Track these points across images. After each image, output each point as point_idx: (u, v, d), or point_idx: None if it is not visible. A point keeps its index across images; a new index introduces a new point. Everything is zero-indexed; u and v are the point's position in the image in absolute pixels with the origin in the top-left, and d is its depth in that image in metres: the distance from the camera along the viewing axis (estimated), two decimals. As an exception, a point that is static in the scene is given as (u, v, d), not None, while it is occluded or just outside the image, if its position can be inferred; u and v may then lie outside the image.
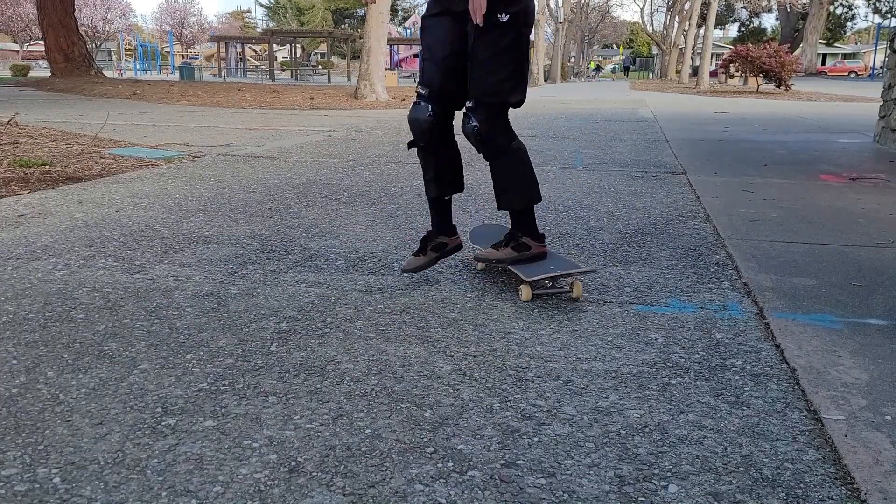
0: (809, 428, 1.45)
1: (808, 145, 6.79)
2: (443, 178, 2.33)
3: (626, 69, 58.48)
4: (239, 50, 38.23)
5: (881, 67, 20.05)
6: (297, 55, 39.35)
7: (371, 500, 1.19)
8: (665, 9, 44.21)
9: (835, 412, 1.50)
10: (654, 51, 57.05)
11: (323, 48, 49.84)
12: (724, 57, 22.98)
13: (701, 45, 28.44)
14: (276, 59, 37.76)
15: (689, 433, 1.42)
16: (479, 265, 2.53)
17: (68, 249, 2.66)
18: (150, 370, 1.66)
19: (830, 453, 1.36)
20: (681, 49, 37.15)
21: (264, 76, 32.59)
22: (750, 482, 1.26)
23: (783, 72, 18.70)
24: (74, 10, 21.73)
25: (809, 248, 2.84)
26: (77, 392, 1.54)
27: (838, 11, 53.28)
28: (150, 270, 2.43)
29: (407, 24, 48.07)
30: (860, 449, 1.36)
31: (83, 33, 25.96)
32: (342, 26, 48.13)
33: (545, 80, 33.57)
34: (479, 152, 2.26)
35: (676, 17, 39.19)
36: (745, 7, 47.91)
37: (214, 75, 33.93)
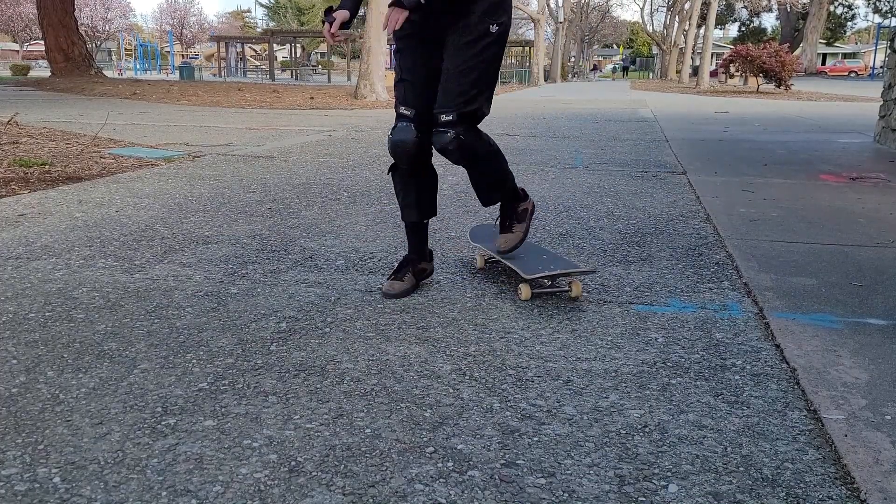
0: (809, 428, 1.45)
1: (808, 145, 6.79)
2: (424, 201, 2.27)
3: (625, 69, 58.46)
4: (239, 50, 38.23)
5: (881, 67, 20.05)
6: (297, 55, 39.36)
7: (371, 500, 1.19)
8: (665, 8, 44.20)
9: (835, 412, 1.50)
10: (655, 51, 57.05)
11: (323, 48, 49.85)
12: (724, 57, 22.98)
13: (701, 45, 28.45)
14: (276, 59, 37.76)
15: (689, 433, 1.42)
16: (479, 264, 2.54)
17: (68, 249, 2.66)
18: (150, 370, 1.66)
19: (830, 453, 1.36)
20: (681, 49, 37.15)
21: (264, 76, 32.60)
22: (750, 482, 1.26)
23: (783, 71, 18.70)
24: (74, 9, 21.73)
25: (809, 248, 2.84)
26: (77, 392, 1.54)
27: (838, 11, 53.27)
28: (150, 270, 2.43)
29: (407, 23, 47.93)
30: (860, 449, 1.36)
31: (83, 33, 25.95)
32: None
33: (545, 80, 33.58)
34: (457, 164, 2.17)
35: (676, 17, 39.19)
36: (745, 7, 47.91)
37: (214, 75, 33.94)
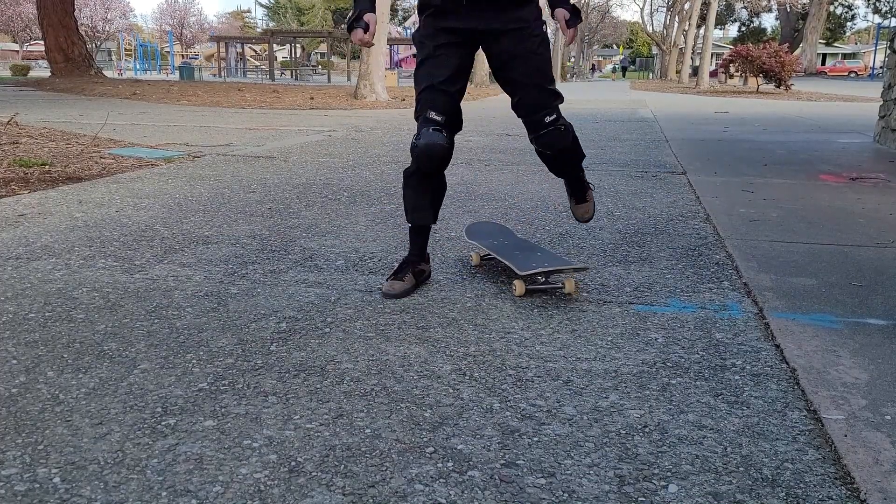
0: (809, 428, 1.45)
1: (807, 145, 6.79)
2: (437, 204, 2.34)
3: (624, 69, 58.48)
4: (239, 50, 38.23)
5: (881, 67, 20.05)
6: (297, 55, 39.36)
7: (371, 500, 1.19)
8: (665, 9, 44.20)
9: (835, 412, 1.50)
10: (654, 51, 57.05)
11: (323, 48, 49.85)
12: (724, 57, 22.99)
13: (701, 45, 28.45)
14: (276, 59, 37.75)
15: (689, 433, 1.42)
16: (474, 261, 2.57)
17: (68, 249, 2.66)
18: (150, 370, 1.66)
19: (830, 453, 1.36)
20: (681, 49, 37.15)
21: (264, 76, 32.60)
22: (750, 482, 1.26)
23: (783, 72, 18.71)
24: (74, 10, 21.73)
25: (809, 248, 2.84)
26: (77, 392, 1.54)
27: (838, 11, 53.29)
28: (150, 270, 2.43)
29: (407, 23, 48.04)
30: (860, 449, 1.36)
31: (83, 33, 25.96)
32: (342, 26, 48.12)
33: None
34: (563, 153, 2.36)
35: (676, 17, 39.19)
36: (745, 7, 47.92)
37: (214, 75, 33.93)
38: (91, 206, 3.47)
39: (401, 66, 37.08)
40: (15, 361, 1.69)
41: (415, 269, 2.31)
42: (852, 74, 44.12)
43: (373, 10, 2.16)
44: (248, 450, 1.33)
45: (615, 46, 76.10)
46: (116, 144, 5.93)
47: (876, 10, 49.66)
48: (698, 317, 2.08)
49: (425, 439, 1.38)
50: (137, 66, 41.79)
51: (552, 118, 2.26)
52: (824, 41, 51.37)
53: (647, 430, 1.43)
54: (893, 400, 1.56)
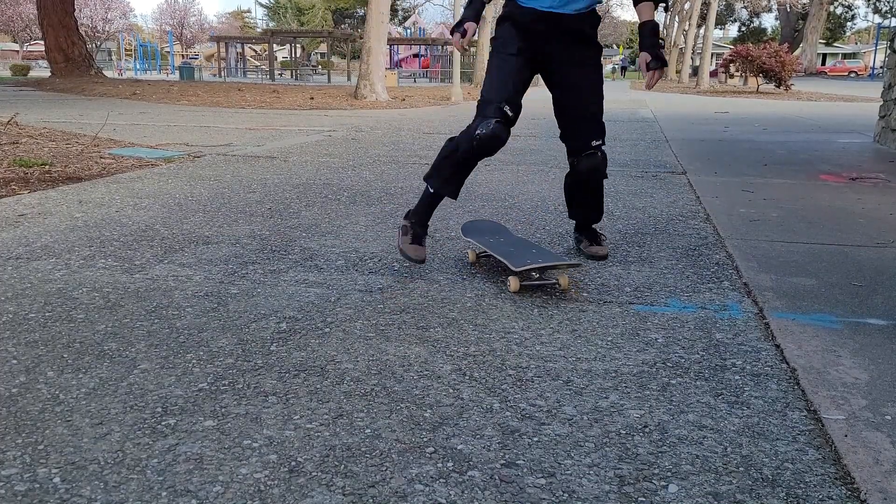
0: (809, 428, 1.45)
1: (808, 145, 6.79)
2: (463, 183, 2.56)
3: (624, 69, 58.47)
4: (239, 50, 38.22)
5: (881, 67, 20.05)
6: (297, 55, 39.35)
7: (371, 500, 1.19)
8: (665, 8, 44.17)
9: (835, 412, 1.50)
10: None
11: (323, 48, 49.83)
12: (724, 57, 22.98)
13: (701, 45, 28.45)
14: (276, 59, 37.75)
15: (689, 433, 1.42)
16: (470, 259, 2.62)
17: (68, 249, 2.66)
18: (150, 370, 1.66)
19: (830, 453, 1.36)
20: (681, 49, 37.14)
21: (264, 76, 32.60)
22: (750, 482, 1.26)
23: (783, 72, 18.72)
24: (74, 10, 21.73)
25: (809, 248, 2.84)
26: (77, 392, 1.54)
27: (838, 11, 53.29)
28: (150, 270, 2.43)
29: (407, 23, 48.05)
30: (860, 449, 1.36)
31: (83, 33, 25.96)
32: (342, 26, 48.12)
33: (545, 80, 33.48)
34: (595, 179, 2.67)
35: (676, 17, 39.18)
36: (745, 7, 47.90)
37: (214, 75, 33.93)
38: (91, 206, 3.47)
39: (401, 66, 37.09)
40: (15, 361, 1.69)
41: (426, 233, 2.53)
42: (852, 74, 44.12)
43: (474, 21, 2.39)
44: (248, 450, 1.33)
45: (615, 46, 76.09)
46: (116, 144, 5.93)
47: (876, 10, 49.66)
48: (698, 317, 2.08)
49: (425, 439, 1.38)
50: (137, 66, 41.77)
51: (598, 144, 2.64)
52: (824, 41, 51.37)
53: (647, 430, 1.43)
54: (893, 400, 1.56)
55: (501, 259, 2.33)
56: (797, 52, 33.12)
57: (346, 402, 1.53)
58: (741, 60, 19.80)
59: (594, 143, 2.54)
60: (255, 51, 46.06)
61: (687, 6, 34.62)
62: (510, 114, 2.35)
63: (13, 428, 1.39)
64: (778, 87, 19.14)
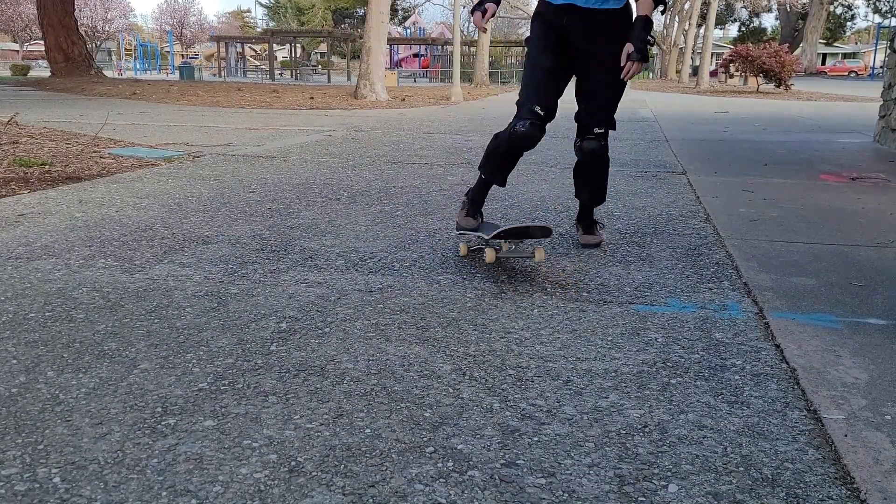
0: (809, 428, 1.45)
1: (808, 145, 6.79)
2: (509, 172, 2.80)
3: None
4: (239, 50, 38.24)
5: (881, 67, 20.04)
6: (297, 55, 39.36)
7: (371, 500, 1.19)
8: (662, 11, 44.19)
9: (835, 412, 1.50)
10: (654, 50, 57.04)
11: (323, 48, 49.85)
12: (724, 57, 22.99)
13: (701, 45, 28.45)
14: (276, 59, 37.75)
15: (689, 433, 1.42)
16: (462, 252, 2.69)
17: (68, 249, 2.66)
18: (150, 370, 1.66)
19: (830, 453, 1.36)
20: (681, 49, 37.15)
21: (264, 76, 32.60)
22: (750, 482, 1.26)
23: (783, 72, 18.72)
24: (74, 9, 21.74)
25: (809, 248, 2.84)
26: (77, 392, 1.54)
27: (838, 11, 53.28)
28: (150, 270, 2.43)
29: (407, 23, 48.06)
30: (860, 449, 1.36)
31: (83, 33, 25.97)
32: (342, 26, 48.08)
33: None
34: (589, 164, 2.79)
35: (676, 17, 39.18)
36: (745, 7, 47.89)
37: (214, 75, 33.93)
38: (91, 205, 3.47)
39: (401, 66, 37.10)
40: (15, 361, 1.69)
41: (481, 212, 2.80)
42: (852, 74, 44.12)
43: (495, 2, 2.52)
44: (248, 450, 1.33)
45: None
46: (116, 144, 5.93)
47: (876, 10, 49.66)
48: (698, 317, 2.08)
49: (425, 439, 1.38)
50: (137, 66, 41.78)
51: (600, 132, 2.75)
52: (824, 41, 51.37)
53: (647, 429, 1.43)
54: (893, 400, 1.56)
55: (475, 234, 2.52)
56: (797, 52, 33.12)
57: (346, 401, 1.53)
58: (741, 60, 19.81)
59: (597, 129, 2.69)
60: (255, 51, 46.08)
61: (687, 6, 34.62)
62: (541, 113, 2.58)
63: (13, 428, 1.39)
64: (778, 87, 19.14)
